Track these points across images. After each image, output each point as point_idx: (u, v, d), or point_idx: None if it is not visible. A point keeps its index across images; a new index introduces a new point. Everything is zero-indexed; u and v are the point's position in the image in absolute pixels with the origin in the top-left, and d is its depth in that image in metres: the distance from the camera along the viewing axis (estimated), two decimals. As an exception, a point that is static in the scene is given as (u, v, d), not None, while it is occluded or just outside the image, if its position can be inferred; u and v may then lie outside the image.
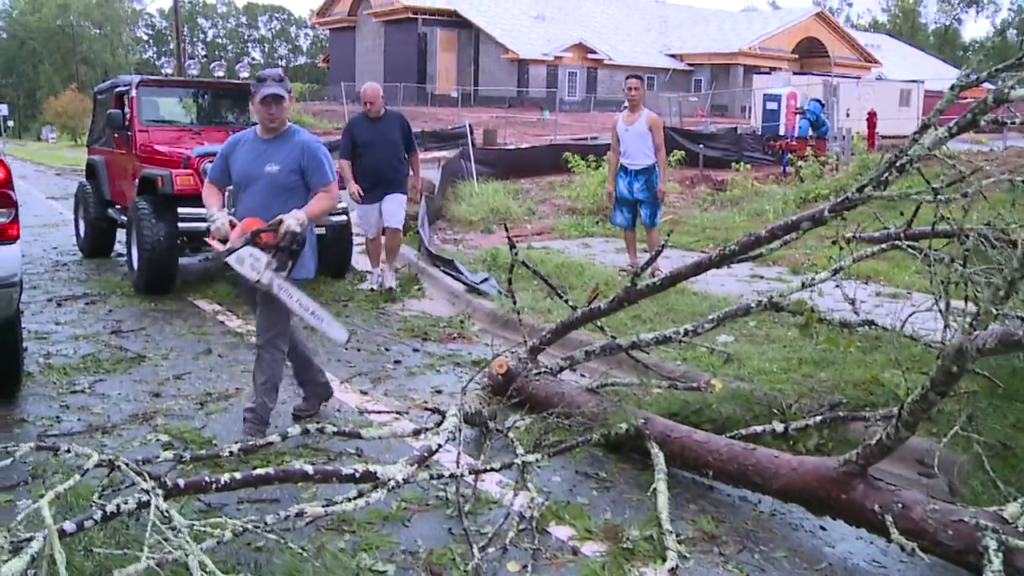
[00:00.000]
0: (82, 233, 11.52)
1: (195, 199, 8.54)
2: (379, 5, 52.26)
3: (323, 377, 5.38)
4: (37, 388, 5.79)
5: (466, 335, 7.35)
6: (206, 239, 5.07)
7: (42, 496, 2.79)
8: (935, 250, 5.08)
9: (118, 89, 10.50)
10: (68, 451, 2.95)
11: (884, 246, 5.36)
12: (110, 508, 2.90)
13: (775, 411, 4.92)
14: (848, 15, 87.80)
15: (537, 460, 4.05)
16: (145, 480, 2.81)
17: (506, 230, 5.61)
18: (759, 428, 4.64)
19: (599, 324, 5.46)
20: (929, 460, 4.02)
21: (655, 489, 3.99)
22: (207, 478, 3.19)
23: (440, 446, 3.91)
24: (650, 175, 9.01)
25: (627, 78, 9.23)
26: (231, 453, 3.98)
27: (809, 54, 54.30)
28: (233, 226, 4.67)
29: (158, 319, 7.77)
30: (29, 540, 2.64)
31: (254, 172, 4.76)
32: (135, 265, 8.87)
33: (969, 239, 4.47)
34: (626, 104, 9.14)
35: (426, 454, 3.79)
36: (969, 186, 4.22)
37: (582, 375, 6.00)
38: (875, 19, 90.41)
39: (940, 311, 4.94)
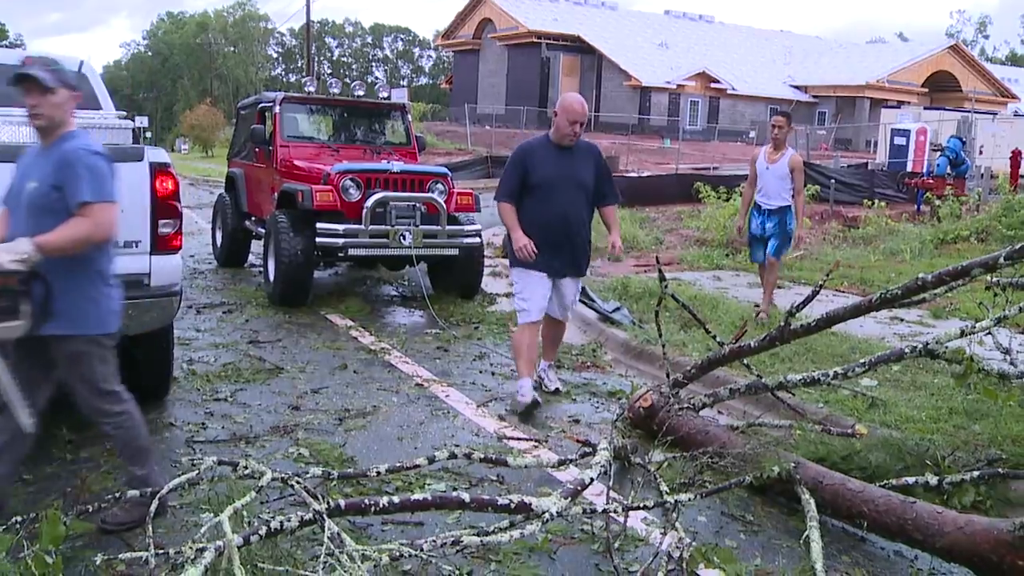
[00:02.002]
0: (219, 243, 11.86)
1: (332, 215, 8.76)
2: (504, 29, 52.95)
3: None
4: (182, 393, 5.96)
5: (599, 364, 7.26)
6: None
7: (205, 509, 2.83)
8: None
9: (261, 105, 10.82)
10: (246, 467, 3.00)
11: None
12: (274, 524, 2.93)
13: (927, 462, 4.70)
14: (983, 48, 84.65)
15: (689, 500, 3.94)
16: (318, 501, 2.83)
17: (657, 261, 5.54)
18: (910, 479, 4.42)
19: (745, 362, 5.34)
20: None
21: (807, 537, 3.83)
22: (367, 500, 3.21)
23: (593, 480, 3.84)
24: (784, 215, 8.40)
25: (773, 115, 8.62)
26: (378, 473, 4.00)
27: (939, 88, 52.62)
28: None
29: (293, 331, 7.92)
30: (202, 551, 2.68)
31: (18, 189, 3.69)
32: (271, 277, 9.00)
33: None
34: (769, 141, 8.55)
35: (579, 487, 3.73)
36: None
37: (719, 412, 5.86)
38: (1013, 51, 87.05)
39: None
